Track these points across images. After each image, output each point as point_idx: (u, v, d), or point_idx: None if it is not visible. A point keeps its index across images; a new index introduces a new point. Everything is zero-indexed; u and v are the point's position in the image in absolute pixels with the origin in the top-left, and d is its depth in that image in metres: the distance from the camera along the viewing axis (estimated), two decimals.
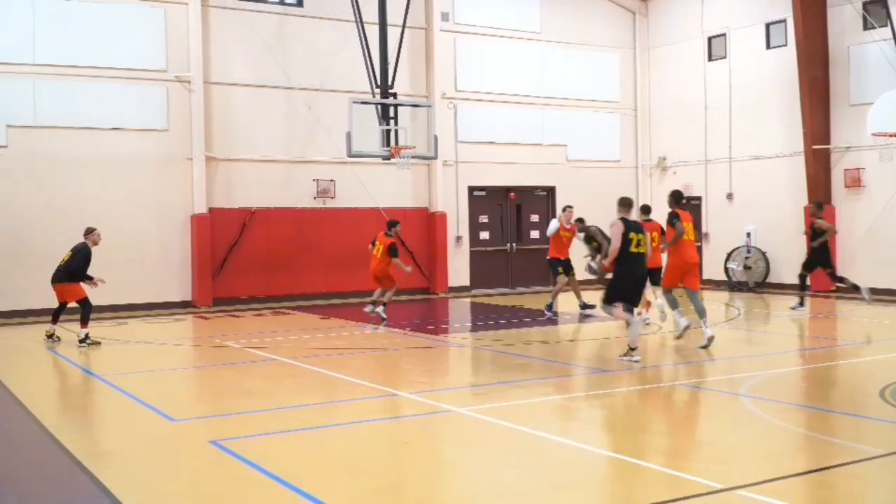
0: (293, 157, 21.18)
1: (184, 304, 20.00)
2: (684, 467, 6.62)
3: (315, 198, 21.28)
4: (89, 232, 14.72)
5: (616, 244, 11.33)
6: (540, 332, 15.15)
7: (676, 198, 13.23)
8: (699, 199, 24.49)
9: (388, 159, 18.32)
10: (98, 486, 6.38)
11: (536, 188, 24.59)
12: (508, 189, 24.12)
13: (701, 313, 12.63)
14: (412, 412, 8.97)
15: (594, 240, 16.40)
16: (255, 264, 20.58)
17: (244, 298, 20.51)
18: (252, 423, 8.43)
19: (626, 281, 11.50)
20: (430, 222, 22.44)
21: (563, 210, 17.67)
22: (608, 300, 11.55)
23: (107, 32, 19.29)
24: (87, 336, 14.19)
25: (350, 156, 18.12)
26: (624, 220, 11.60)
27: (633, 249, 11.42)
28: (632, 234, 11.42)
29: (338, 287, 21.06)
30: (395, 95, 18.81)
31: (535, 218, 24.58)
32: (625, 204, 11.86)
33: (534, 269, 23.66)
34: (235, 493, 6.26)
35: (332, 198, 21.37)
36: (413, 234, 21.98)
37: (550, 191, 24.75)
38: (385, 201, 21.66)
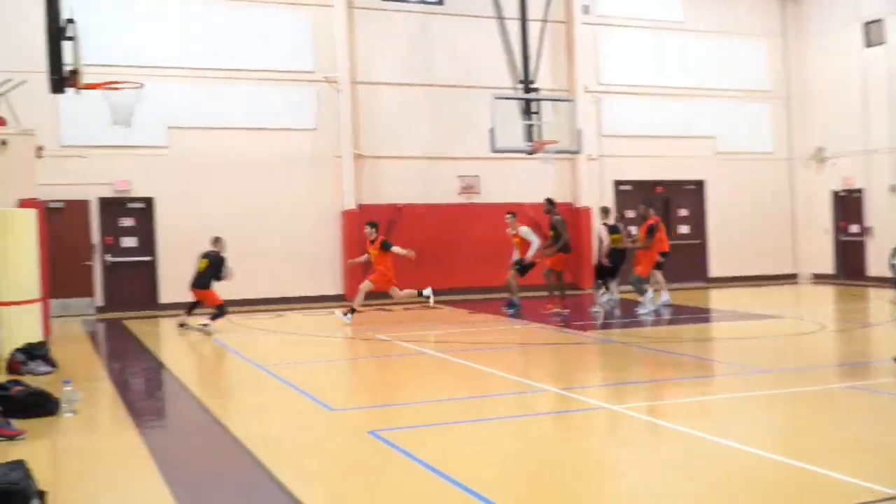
0: (437, 154, 21.22)
1: (337, 298, 20.16)
2: (853, 472, 6.16)
3: (459, 193, 21.21)
4: (217, 241, 15.39)
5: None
6: (693, 330, 14.80)
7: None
8: (859, 191, 23.54)
9: (532, 154, 18.26)
10: (264, 471, 6.53)
11: (685, 182, 23.90)
12: (656, 183, 23.56)
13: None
14: (564, 408, 8.81)
15: (555, 228, 16.55)
16: (399, 258, 19.86)
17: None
18: (406, 415, 8.51)
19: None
20: (576, 217, 21.99)
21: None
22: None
23: (257, 37, 19.90)
24: (206, 325, 14.86)
25: (493, 151, 17.95)
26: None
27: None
28: None
29: (483, 282, 20.73)
30: (536, 90, 18.71)
31: (684, 212, 23.93)
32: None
33: (683, 263, 22.95)
34: (394, 482, 6.29)
35: (476, 193, 21.23)
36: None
37: (699, 184, 24.03)
38: (530, 196, 21.25)
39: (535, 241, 16.59)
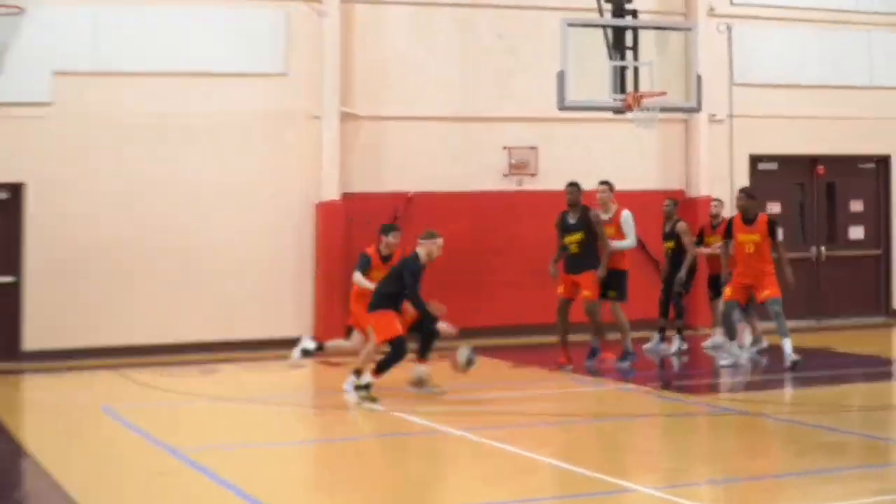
0: (473, 114, 19.73)
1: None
2: None
3: (507, 175, 19.72)
4: (428, 237, 14.27)
5: None
6: (867, 392, 14.40)
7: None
8: None
9: (623, 113, 16.97)
10: None
11: (861, 158, 22.10)
12: (814, 160, 21.59)
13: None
14: None
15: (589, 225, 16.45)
16: None
17: None
18: None
19: None
20: (690, 213, 19.77)
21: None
22: None
23: None
24: (368, 386, 13.75)
25: (563, 108, 16.37)
26: None
27: None
28: None
29: (540, 315, 18.50)
30: (634, 13, 17.09)
31: (857, 206, 22.21)
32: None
33: (854, 286, 21.87)
34: None
35: (532, 175, 19.70)
36: (658, 231, 19.31)
37: (883, 162, 22.07)
38: (617, 180, 18.44)
39: (630, 240, 16.08)
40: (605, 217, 15.91)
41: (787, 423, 12.11)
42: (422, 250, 13.87)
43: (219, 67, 18.36)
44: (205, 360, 17.51)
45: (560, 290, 15.75)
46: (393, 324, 13.64)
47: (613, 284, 15.74)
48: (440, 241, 13.98)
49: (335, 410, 13.59)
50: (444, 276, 18.99)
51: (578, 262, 15.56)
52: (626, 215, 16.16)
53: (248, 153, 18.60)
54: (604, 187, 16.23)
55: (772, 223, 15.54)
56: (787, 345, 15.23)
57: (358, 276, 14.58)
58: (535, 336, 19.05)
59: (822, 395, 13.92)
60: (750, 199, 15.96)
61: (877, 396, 14.02)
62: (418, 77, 19.43)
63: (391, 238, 14.98)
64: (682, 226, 16.89)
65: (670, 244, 16.95)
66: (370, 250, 14.76)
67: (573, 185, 16.00)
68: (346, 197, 18.90)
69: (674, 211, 17.11)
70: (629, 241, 16.06)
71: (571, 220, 15.66)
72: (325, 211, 18.67)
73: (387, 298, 13.69)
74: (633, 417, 12.82)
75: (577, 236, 15.52)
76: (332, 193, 18.69)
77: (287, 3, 18.50)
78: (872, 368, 16.04)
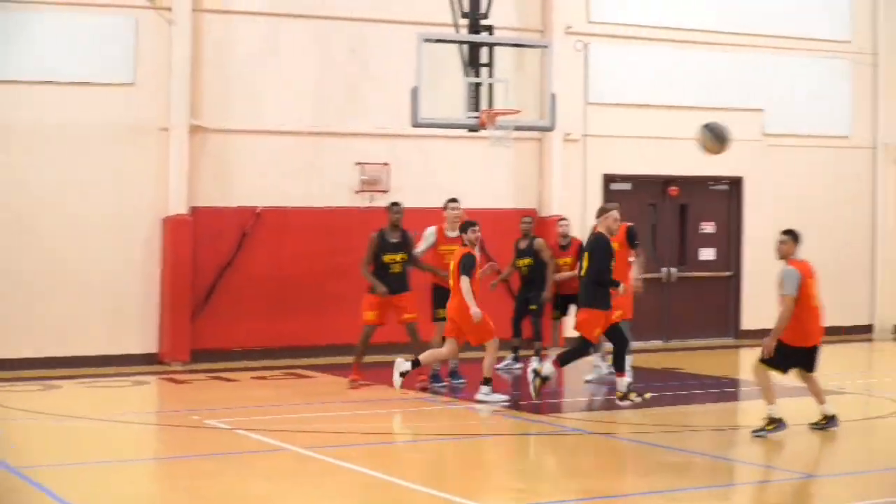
0: (324, 129, 19.97)
1: (146, 359, 18.97)
2: None
3: (358, 192, 20.03)
4: (603, 213, 15.27)
5: None
6: (714, 412, 14.89)
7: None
8: None
9: (477, 130, 17.49)
10: None
11: (713, 179, 22.95)
12: (667, 180, 22.33)
13: None
14: None
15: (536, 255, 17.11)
16: (258, 297, 19.68)
17: (239, 352, 19.47)
18: None
19: None
20: (543, 232, 20.15)
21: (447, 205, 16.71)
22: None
23: None
24: (629, 388, 14.66)
25: (416, 125, 16.97)
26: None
27: None
28: None
29: (391, 334, 18.33)
30: (490, 30, 17.62)
31: (707, 227, 23.01)
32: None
33: (704, 308, 22.73)
34: None
35: (384, 192, 19.93)
36: (510, 251, 19.64)
37: (735, 183, 23.03)
38: (470, 198, 19.44)
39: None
40: (453, 235, 16.35)
41: (635, 444, 12.59)
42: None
43: (64, 76, 18.44)
44: (46, 377, 17.58)
45: (370, 315, 16.22)
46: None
47: (444, 305, 16.16)
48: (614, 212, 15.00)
49: (178, 429, 13.71)
50: (294, 293, 19.69)
51: (402, 281, 16.23)
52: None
53: (93, 165, 18.70)
54: (454, 205, 16.58)
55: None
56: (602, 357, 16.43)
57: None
58: (382, 354, 18.80)
59: (670, 415, 14.40)
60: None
61: (723, 417, 14.63)
62: (269, 90, 19.72)
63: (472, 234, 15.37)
64: (540, 242, 17.38)
65: (527, 261, 17.37)
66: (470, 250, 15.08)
67: (396, 204, 16.52)
68: (195, 211, 19.04)
69: (530, 228, 17.58)
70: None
71: (393, 238, 16.21)
72: (173, 225, 18.76)
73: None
74: (482, 437, 13.21)
75: (400, 256, 16.20)
76: (180, 207, 18.81)
77: (135, 11, 18.68)
78: (719, 389, 16.78)
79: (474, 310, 14.79)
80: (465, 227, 15.67)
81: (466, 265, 14.89)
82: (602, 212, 15.26)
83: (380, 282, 16.10)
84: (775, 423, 12.23)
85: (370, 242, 16.00)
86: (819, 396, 12.66)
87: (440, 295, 16.03)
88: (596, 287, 14.62)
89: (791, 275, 12.19)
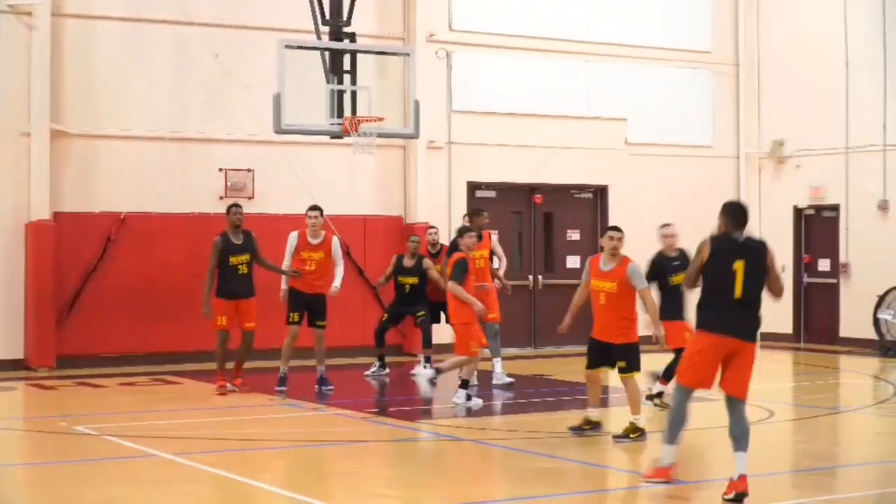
0: (187, 134, 20.18)
1: (13, 365, 19.03)
2: None
3: (223, 198, 20.01)
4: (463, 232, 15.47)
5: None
6: (581, 418, 14.23)
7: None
8: (836, 208, 23.36)
9: (341, 137, 17.84)
10: None
11: (577, 187, 23.47)
12: (532, 188, 22.85)
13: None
14: None
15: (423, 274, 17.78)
16: (124, 303, 19.75)
17: (106, 357, 19.57)
18: None
19: None
20: (406, 240, 20.31)
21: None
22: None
23: None
24: (660, 395, 14.98)
25: (279, 131, 17.38)
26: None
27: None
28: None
29: (257, 339, 18.24)
30: (353, 37, 17.96)
31: (574, 235, 23.52)
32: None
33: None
34: None
35: (249, 198, 20.18)
36: (376, 257, 20.47)
37: (600, 192, 23.55)
38: (336, 204, 20.16)
39: (340, 268, 16.94)
40: (315, 242, 16.53)
41: (504, 450, 12.79)
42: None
43: None
44: None
45: (222, 320, 16.35)
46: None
47: (322, 313, 16.64)
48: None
49: (46, 435, 13.72)
50: (160, 299, 19.88)
51: (248, 284, 16.44)
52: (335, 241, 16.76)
53: None
54: (314, 213, 16.62)
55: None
56: (498, 364, 16.87)
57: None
58: (250, 360, 18.35)
59: (538, 421, 14.73)
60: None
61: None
62: (130, 94, 19.89)
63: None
64: (429, 262, 17.75)
65: (412, 280, 17.74)
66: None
67: (237, 206, 16.67)
68: (58, 216, 19.18)
69: (418, 248, 17.89)
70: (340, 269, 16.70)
71: (237, 240, 16.30)
72: (35, 231, 18.87)
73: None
74: (355, 443, 13.23)
75: (245, 256, 16.42)
76: (43, 213, 18.96)
77: None
78: (585, 395, 16.17)
79: (478, 306, 15.02)
80: (461, 231, 15.86)
81: (457, 270, 15.04)
82: (462, 231, 15.62)
83: (227, 286, 16.21)
84: (638, 432, 12.48)
85: (214, 247, 15.97)
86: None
87: (295, 298, 16.30)
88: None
89: (640, 270, 12.79)
